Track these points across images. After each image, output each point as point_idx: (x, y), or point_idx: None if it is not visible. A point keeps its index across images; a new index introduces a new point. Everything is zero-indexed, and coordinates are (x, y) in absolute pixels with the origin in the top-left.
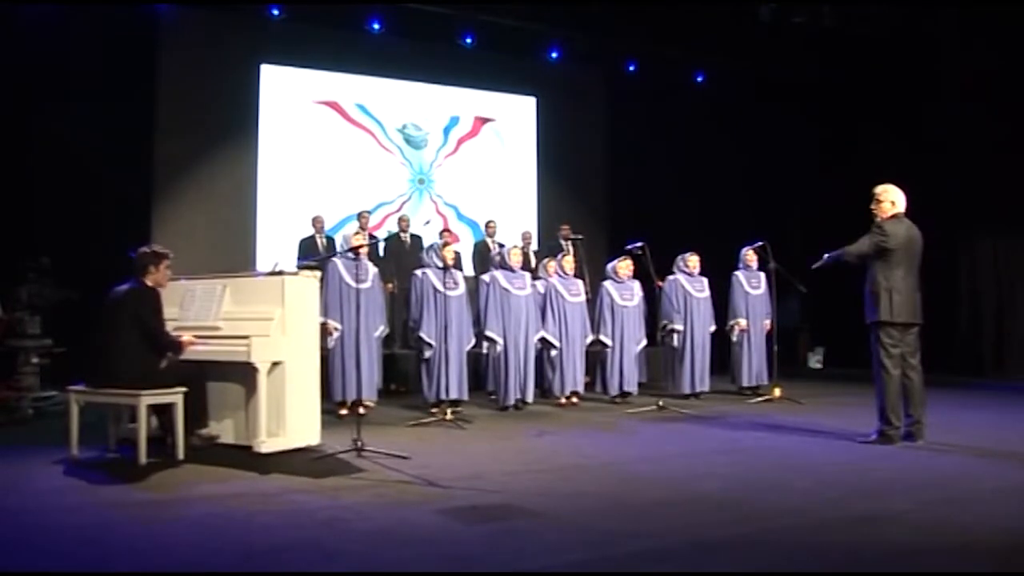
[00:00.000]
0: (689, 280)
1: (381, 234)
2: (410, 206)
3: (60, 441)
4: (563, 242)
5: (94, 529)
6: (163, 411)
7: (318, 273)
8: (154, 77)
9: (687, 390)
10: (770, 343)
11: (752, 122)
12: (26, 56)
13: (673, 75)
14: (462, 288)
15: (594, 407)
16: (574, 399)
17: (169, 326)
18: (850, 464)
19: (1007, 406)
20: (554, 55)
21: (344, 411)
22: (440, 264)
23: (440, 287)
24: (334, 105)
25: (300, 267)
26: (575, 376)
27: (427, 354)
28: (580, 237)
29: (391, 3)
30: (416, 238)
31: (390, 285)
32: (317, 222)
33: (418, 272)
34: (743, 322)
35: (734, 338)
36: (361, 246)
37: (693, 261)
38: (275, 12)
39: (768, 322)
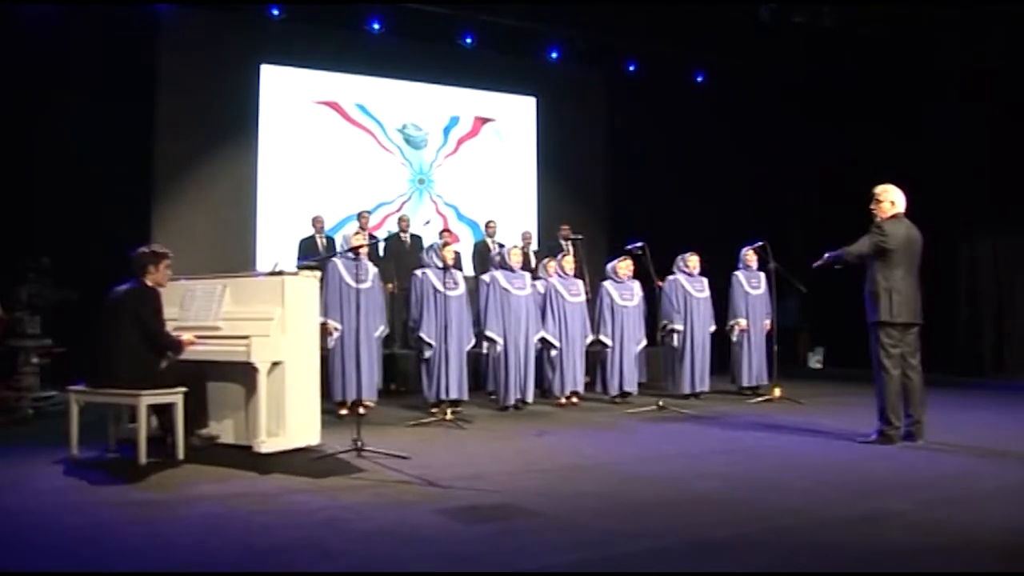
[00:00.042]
0: (689, 280)
1: (381, 234)
2: (410, 206)
3: (60, 441)
4: (563, 242)
5: (94, 529)
6: (163, 411)
7: (318, 273)
8: (154, 77)
9: (687, 390)
10: (770, 343)
11: (752, 122)
12: (26, 56)
13: (673, 75)
14: (462, 288)
15: (594, 407)
16: (574, 399)
17: (169, 326)
18: (850, 464)
19: (1007, 406)
20: (554, 55)
21: (344, 411)
22: (440, 264)
23: (440, 287)
24: (334, 105)
25: (300, 267)
26: (575, 376)
27: (427, 354)
28: (580, 237)
29: (391, 3)
30: (416, 238)
31: (390, 285)
32: (317, 222)
33: (418, 272)
34: (743, 322)
35: (734, 338)
36: (361, 246)
37: (693, 261)
38: (275, 12)
39: (768, 322)
